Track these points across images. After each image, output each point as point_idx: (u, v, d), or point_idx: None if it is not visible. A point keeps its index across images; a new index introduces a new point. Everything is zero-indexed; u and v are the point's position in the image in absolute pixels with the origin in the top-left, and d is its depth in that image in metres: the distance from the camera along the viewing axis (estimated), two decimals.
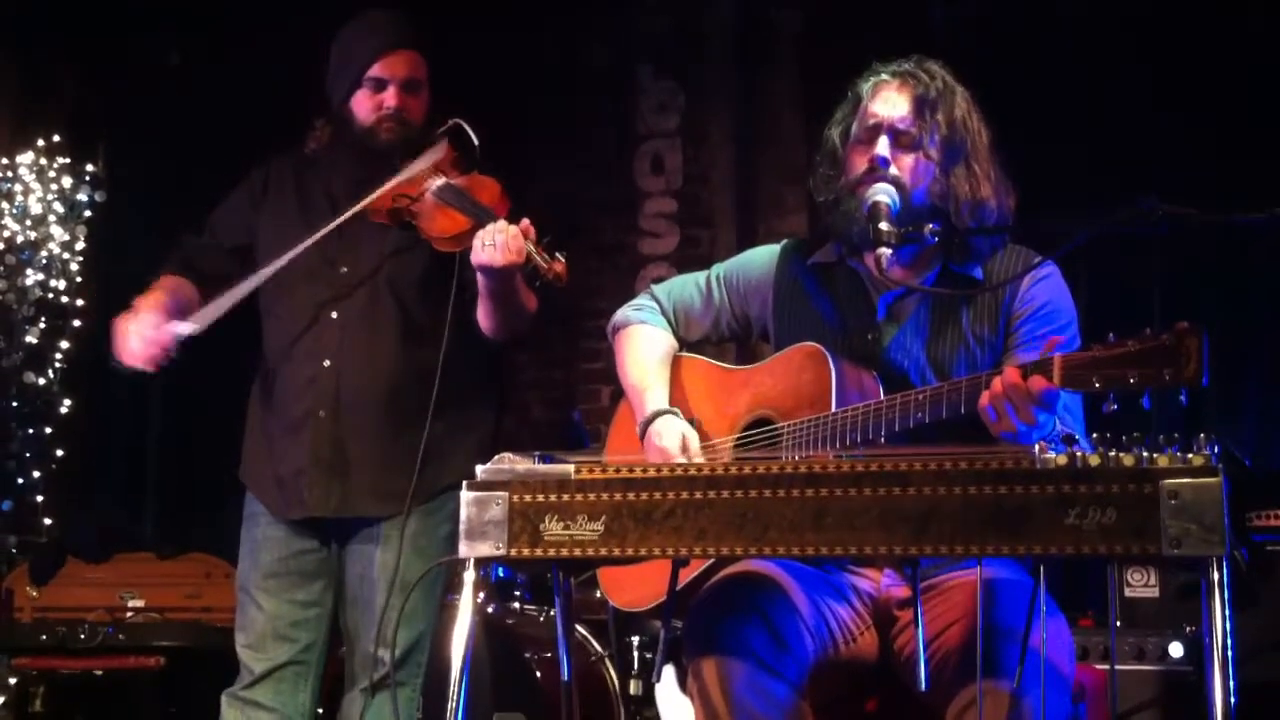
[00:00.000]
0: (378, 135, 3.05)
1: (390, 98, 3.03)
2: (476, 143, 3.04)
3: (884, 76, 2.53)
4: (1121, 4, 4.72)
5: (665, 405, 2.62)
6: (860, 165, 2.49)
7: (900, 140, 2.47)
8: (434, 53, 3.12)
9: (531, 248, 2.82)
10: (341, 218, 2.98)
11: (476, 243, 2.81)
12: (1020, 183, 2.54)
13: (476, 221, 2.86)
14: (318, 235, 2.97)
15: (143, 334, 2.91)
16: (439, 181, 2.99)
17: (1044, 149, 4.19)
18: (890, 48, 2.59)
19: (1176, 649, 3.52)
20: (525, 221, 2.83)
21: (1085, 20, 4.74)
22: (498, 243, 2.78)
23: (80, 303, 5.73)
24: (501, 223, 2.81)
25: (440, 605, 3.16)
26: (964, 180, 2.46)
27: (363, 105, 3.06)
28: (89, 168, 5.85)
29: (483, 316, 2.99)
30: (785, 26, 5.69)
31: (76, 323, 5.69)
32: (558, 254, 2.86)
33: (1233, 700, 1.70)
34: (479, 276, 2.89)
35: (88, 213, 5.83)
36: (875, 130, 2.49)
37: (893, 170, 2.45)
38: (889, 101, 2.49)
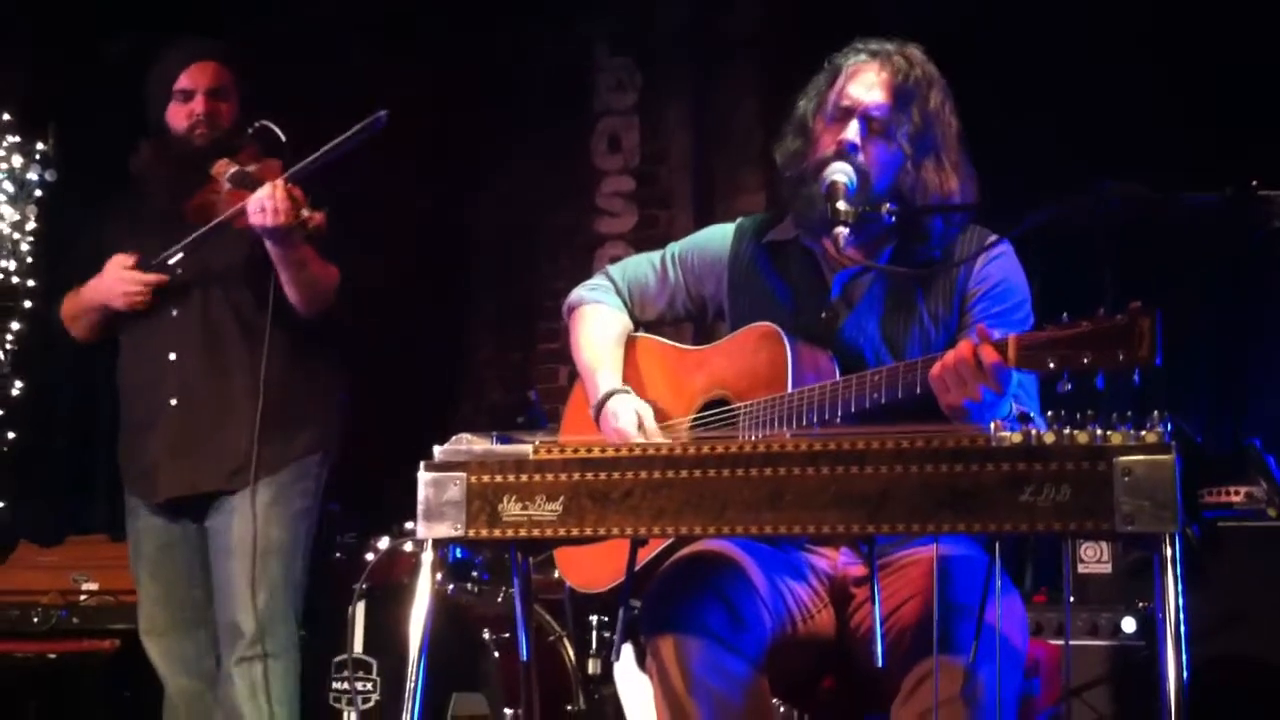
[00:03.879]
0: (193, 141, 3.36)
1: (198, 105, 3.34)
2: (284, 139, 3.34)
3: (864, 57, 2.50)
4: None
5: (619, 384, 2.62)
6: (829, 147, 2.47)
7: (872, 126, 2.45)
8: (243, 64, 3.46)
9: (299, 205, 3.13)
10: (200, 230, 3.27)
11: (249, 208, 3.13)
12: (985, 167, 2.54)
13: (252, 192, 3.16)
14: (188, 241, 3.26)
15: (124, 275, 3.29)
16: (232, 170, 3.28)
17: (1008, 134, 4.22)
18: (851, 34, 2.58)
19: (1129, 624, 3.56)
20: (290, 185, 3.14)
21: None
22: (266, 205, 3.10)
23: (31, 283, 5.66)
24: (267, 186, 3.12)
25: (306, 575, 3.40)
26: (932, 173, 2.45)
27: (176, 116, 3.38)
28: (39, 146, 5.77)
29: (286, 290, 3.30)
30: (745, 9, 5.67)
31: (27, 303, 5.62)
32: (321, 209, 3.18)
33: (1185, 675, 1.72)
34: (269, 246, 3.21)
35: (38, 192, 5.75)
36: (848, 113, 2.47)
37: (860, 157, 2.44)
38: (866, 84, 2.47)
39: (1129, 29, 4.41)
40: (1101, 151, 4.24)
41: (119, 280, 3.32)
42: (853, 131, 2.45)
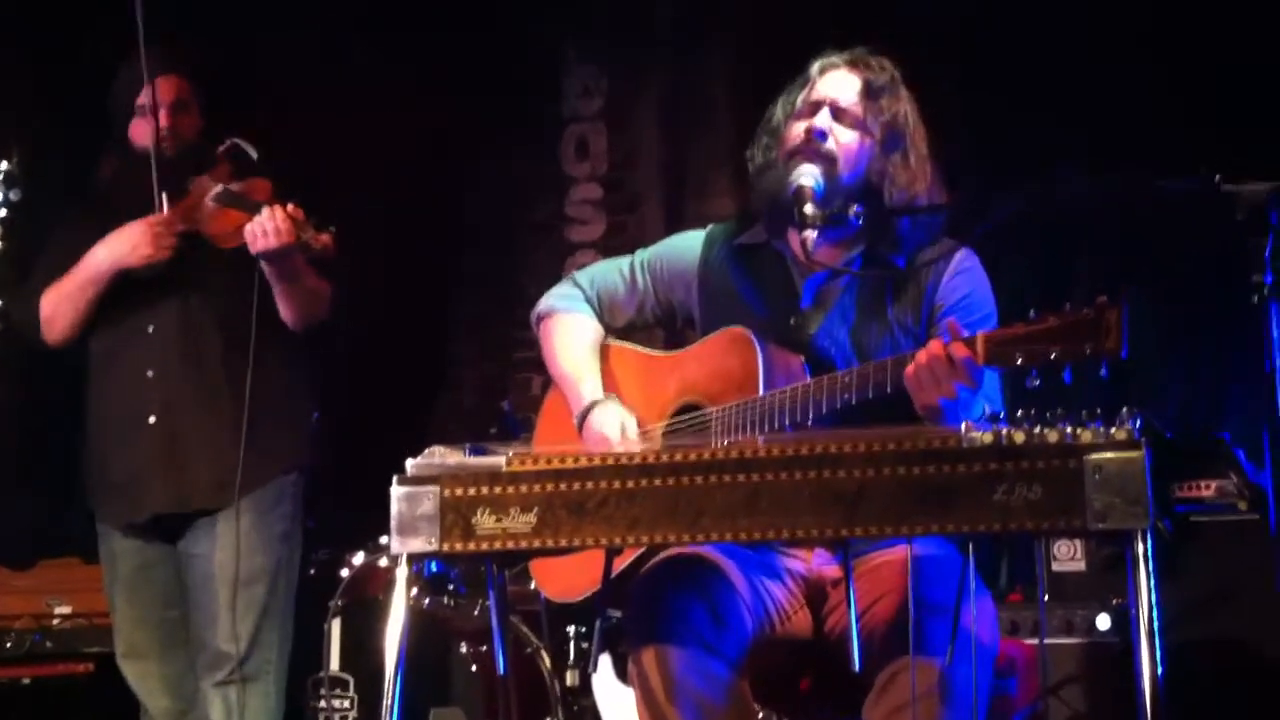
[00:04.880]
0: (160, 153, 3.28)
1: (162, 119, 3.29)
2: (255, 156, 3.31)
3: (835, 59, 2.55)
4: None
5: (601, 394, 2.61)
6: (797, 136, 2.49)
7: (843, 118, 2.48)
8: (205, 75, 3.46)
9: (300, 227, 3.10)
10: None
11: (249, 233, 3.10)
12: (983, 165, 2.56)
13: (250, 216, 3.13)
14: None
15: (150, 222, 3.22)
16: (216, 189, 3.25)
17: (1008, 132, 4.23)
18: (833, 32, 2.61)
19: (1104, 621, 3.57)
20: (291, 205, 3.12)
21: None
22: (268, 228, 3.08)
23: None
24: (267, 209, 3.09)
25: (292, 598, 3.38)
26: (901, 169, 2.47)
27: (139, 131, 3.34)
28: (3, 165, 5.73)
29: (281, 307, 3.27)
30: (721, 8, 5.65)
31: None
32: (328, 230, 3.15)
33: (1160, 670, 1.73)
34: (264, 266, 3.18)
35: (2, 211, 5.71)
36: (818, 105, 2.50)
37: (829, 144, 2.46)
38: (837, 81, 2.52)
39: (1129, 28, 4.42)
40: (1101, 149, 4.25)
41: (144, 231, 3.22)
42: (823, 119, 2.48)
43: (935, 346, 2.13)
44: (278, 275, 3.21)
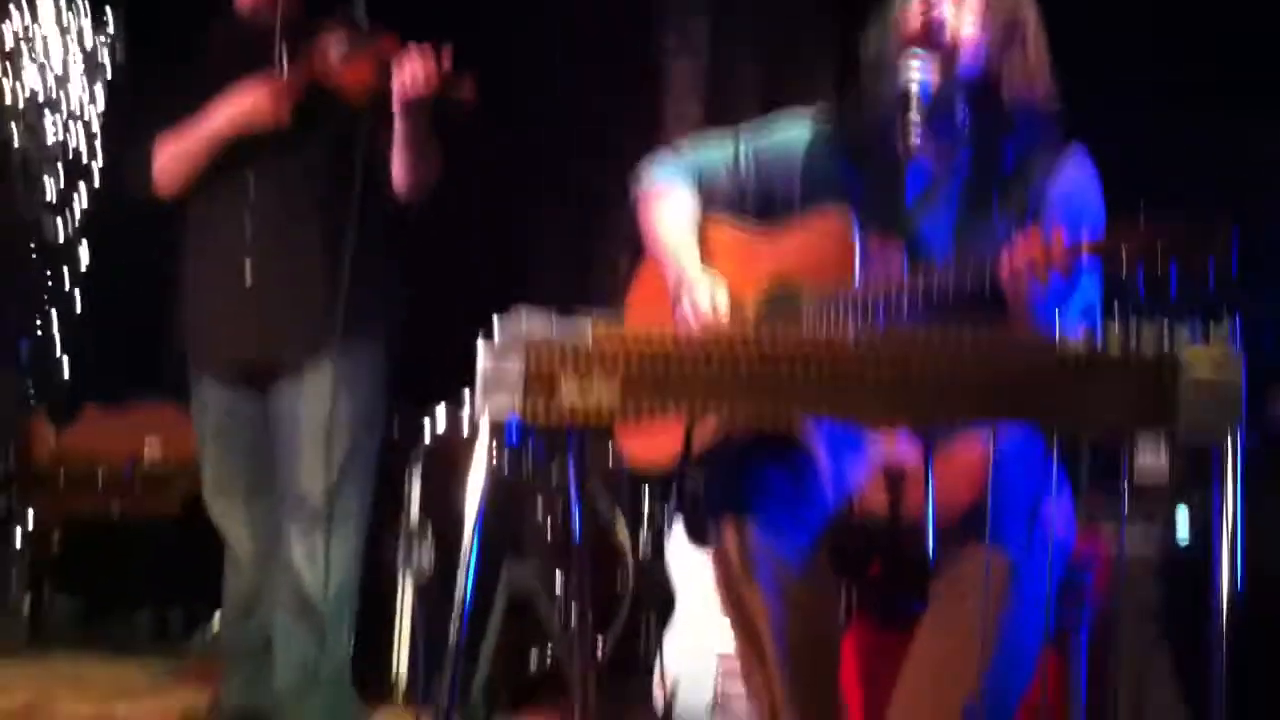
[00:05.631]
0: (260, 17, 3.28)
1: None
2: (364, 22, 3.28)
3: None
4: None
5: (699, 268, 2.60)
6: (914, 25, 2.40)
7: (962, 8, 2.39)
8: None
9: (444, 73, 3.07)
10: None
11: (397, 81, 3.07)
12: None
13: (383, 64, 3.10)
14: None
15: (277, 87, 3.22)
16: (343, 45, 3.22)
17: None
18: None
19: (1183, 529, 3.55)
20: (438, 49, 3.07)
21: None
22: (418, 72, 3.05)
23: (99, 155, 5.71)
24: (415, 52, 3.06)
25: (375, 453, 3.43)
26: (1019, 66, 2.38)
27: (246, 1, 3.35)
28: (108, 25, 5.78)
29: (399, 169, 3.26)
30: None
31: (95, 178, 5.68)
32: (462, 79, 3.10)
33: (1240, 578, 1.72)
34: (397, 122, 3.16)
35: (107, 67, 5.78)
36: None
37: (946, 35, 2.38)
38: None
39: None
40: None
41: (267, 93, 3.23)
42: (942, 8, 2.38)
43: (1035, 234, 2.10)
44: (411, 133, 3.19)
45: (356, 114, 3.19)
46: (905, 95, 2.35)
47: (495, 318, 2.03)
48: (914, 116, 2.34)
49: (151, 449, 5.05)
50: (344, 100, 3.21)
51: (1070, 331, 1.81)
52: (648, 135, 5.64)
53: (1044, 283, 2.09)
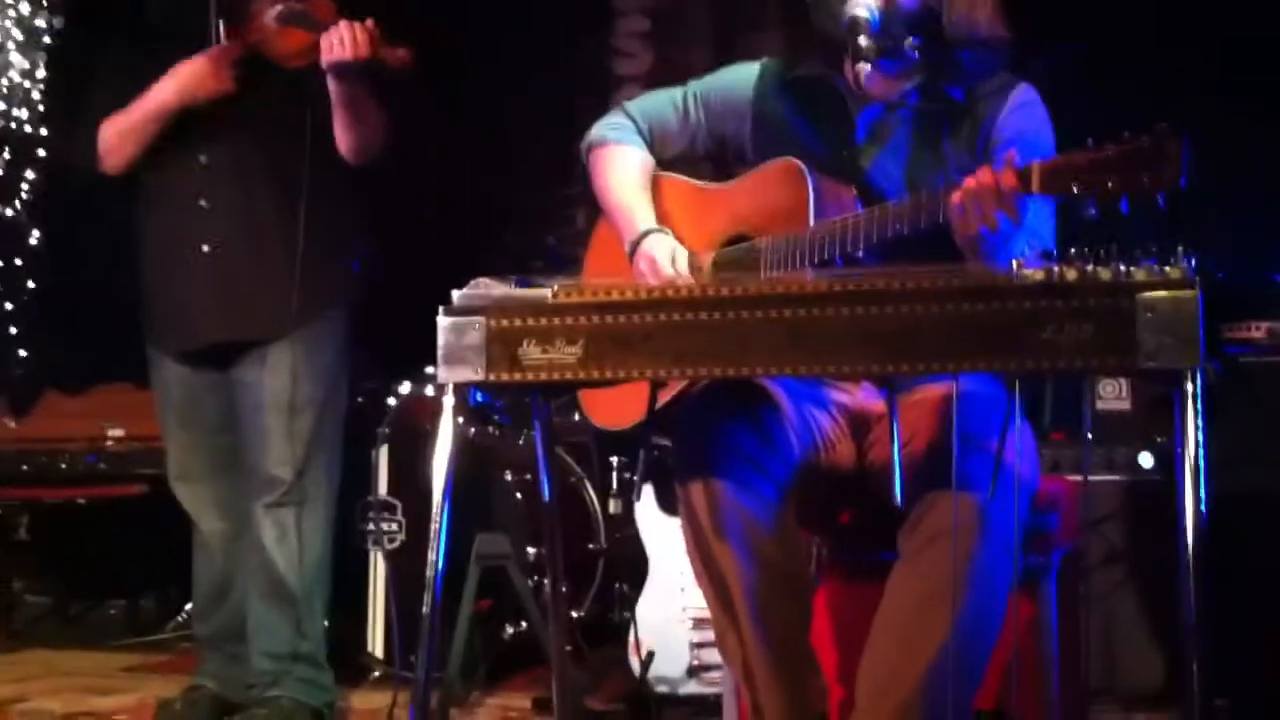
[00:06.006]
0: None
1: None
2: None
3: None
4: None
5: (654, 224, 2.60)
6: None
7: None
8: None
9: (376, 41, 3.06)
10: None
11: (325, 45, 3.06)
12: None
13: (317, 33, 3.09)
14: None
15: (217, 57, 3.21)
16: (278, 8, 3.18)
17: None
18: None
19: (1147, 459, 3.58)
20: (369, 20, 3.06)
21: None
22: (345, 39, 3.04)
23: (44, 132, 5.62)
24: (344, 23, 3.05)
25: (341, 424, 3.44)
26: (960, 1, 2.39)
27: None
28: None
29: (340, 133, 3.25)
30: None
31: (41, 152, 5.59)
32: (399, 47, 3.10)
33: (1204, 510, 1.73)
34: (332, 86, 3.15)
35: (46, 39, 5.68)
36: None
37: None
38: None
39: None
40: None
41: (208, 64, 3.21)
42: None
43: (985, 174, 2.10)
44: (345, 96, 3.18)
45: (302, 80, 3.17)
46: (854, 22, 2.35)
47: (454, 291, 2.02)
48: (863, 42, 2.34)
49: (115, 432, 5.01)
50: (283, 66, 3.19)
51: (1027, 266, 1.80)
52: (603, 96, 5.64)
53: (992, 216, 2.08)
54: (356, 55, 3.05)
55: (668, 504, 3.64)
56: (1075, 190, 1.97)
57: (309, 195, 3.21)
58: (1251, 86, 4.16)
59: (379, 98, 3.25)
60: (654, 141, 2.73)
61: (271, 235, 3.28)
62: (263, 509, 3.30)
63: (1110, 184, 1.92)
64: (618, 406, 2.60)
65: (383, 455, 4.00)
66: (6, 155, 5.58)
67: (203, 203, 3.29)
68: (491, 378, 1.98)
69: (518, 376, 1.97)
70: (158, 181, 3.36)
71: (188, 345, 3.35)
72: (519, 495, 4.17)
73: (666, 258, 2.51)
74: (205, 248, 3.29)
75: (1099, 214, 1.95)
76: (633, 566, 3.95)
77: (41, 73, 5.66)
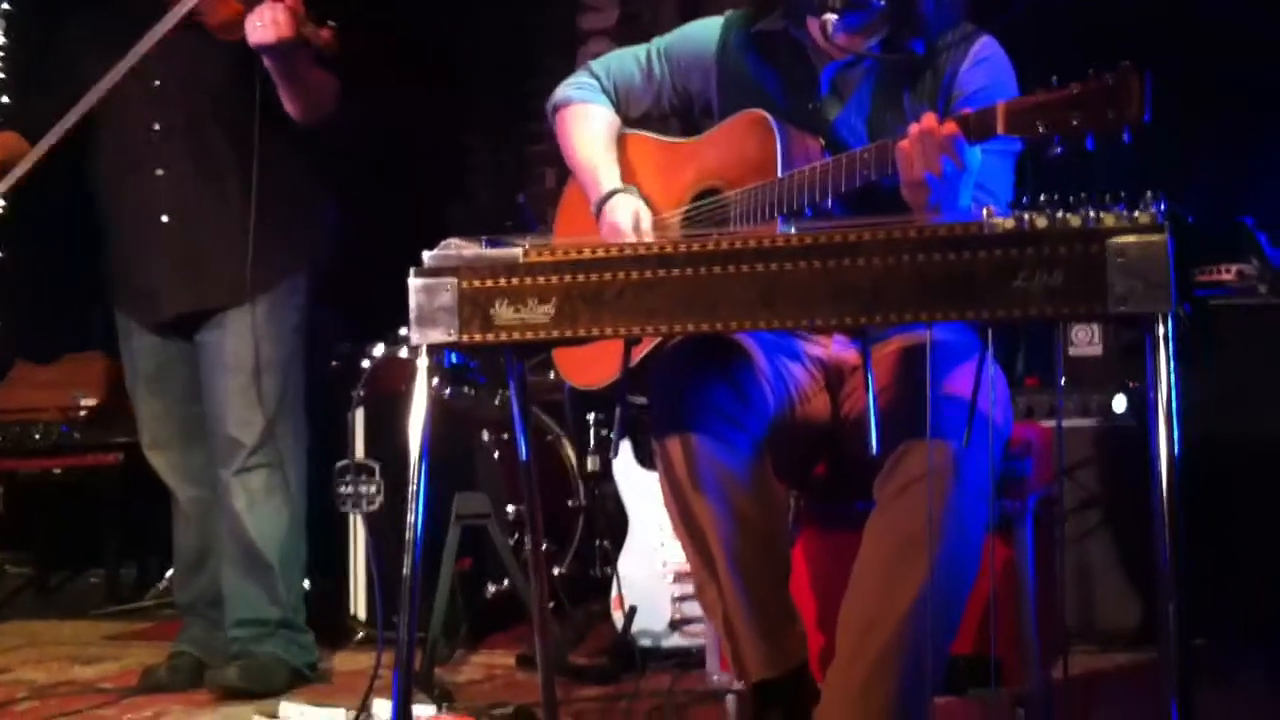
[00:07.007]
0: None
1: None
2: None
3: None
4: None
5: (619, 183, 2.60)
6: None
7: None
8: None
9: (300, 21, 3.05)
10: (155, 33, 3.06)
11: (248, 25, 3.04)
12: None
13: (248, 7, 3.07)
14: (134, 57, 3.03)
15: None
16: None
17: None
18: None
19: (1120, 404, 3.60)
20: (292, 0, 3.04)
21: None
22: (265, 20, 3.02)
23: (4, 99, 5.55)
24: (268, 2, 3.02)
25: (303, 386, 3.44)
26: None
27: None
28: None
29: (284, 101, 3.23)
30: None
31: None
32: (327, 24, 3.10)
33: (1177, 453, 1.74)
34: (266, 61, 3.13)
35: (5, 5, 5.60)
36: None
37: None
38: None
39: None
40: None
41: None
42: None
43: (929, 119, 2.10)
44: (279, 71, 3.17)
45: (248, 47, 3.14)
46: None
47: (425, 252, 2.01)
48: None
49: (87, 401, 4.99)
50: (217, 35, 3.18)
51: (996, 215, 1.81)
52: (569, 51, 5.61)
53: (936, 161, 2.07)
54: (279, 36, 3.04)
55: (645, 459, 3.65)
56: (1041, 129, 1.97)
57: (264, 160, 3.21)
58: (1215, 37, 4.15)
59: (326, 65, 3.24)
60: (620, 100, 2.72)
61: (229, 202, 3.28)
62: (231, 476, 3.31)
63: (1075, 122, 1.92)
64: (592, 366, 2.60)
65: (359, 418, 4.00)
66: None
67: (159, 172, 3.30)
68: (464, 339, 1.97)
69: (490, 337, 1.96)
70: (114, 152, 3.35)
71: (154, 318, 3.37)
72: (497, 454, 4.18)
73: (630, 222, 2.51)
74: (164, 218, 3.30)
75: (1065, 152, 1.96)
76: (612, 522, 3.96)
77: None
